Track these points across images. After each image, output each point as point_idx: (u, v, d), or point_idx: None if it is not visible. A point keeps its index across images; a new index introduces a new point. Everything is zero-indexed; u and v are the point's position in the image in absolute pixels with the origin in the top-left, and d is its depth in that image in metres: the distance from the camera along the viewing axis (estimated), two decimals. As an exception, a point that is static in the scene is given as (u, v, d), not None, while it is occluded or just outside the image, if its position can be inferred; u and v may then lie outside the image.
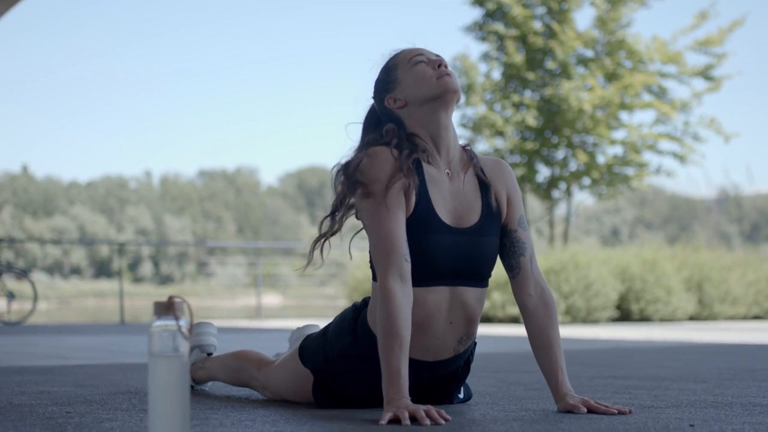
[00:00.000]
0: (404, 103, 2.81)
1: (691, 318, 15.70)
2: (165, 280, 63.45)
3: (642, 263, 15.28)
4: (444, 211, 2.74)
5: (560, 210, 19.86)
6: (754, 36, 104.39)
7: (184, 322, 1.99)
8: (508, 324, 13.52)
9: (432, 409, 2.45)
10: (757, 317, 16.63)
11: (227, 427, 2.41)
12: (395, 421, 2.42)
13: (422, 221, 2.69)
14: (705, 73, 17.92)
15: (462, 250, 2.72)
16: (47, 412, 2.72)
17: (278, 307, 29.01)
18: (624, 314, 15.02)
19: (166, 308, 1.98)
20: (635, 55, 17.81)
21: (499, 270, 2.86)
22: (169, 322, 1.98)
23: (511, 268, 2.83)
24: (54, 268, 61.47)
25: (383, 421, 2.41)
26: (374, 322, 2.75)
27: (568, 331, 10.36)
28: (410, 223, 2.69)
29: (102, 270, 62.22)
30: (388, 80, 2.85)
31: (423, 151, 2.78)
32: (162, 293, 45.91)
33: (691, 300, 15.54)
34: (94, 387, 3.60)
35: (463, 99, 18.50)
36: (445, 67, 2.81)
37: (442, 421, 2.41)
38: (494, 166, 2.88)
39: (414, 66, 2.82)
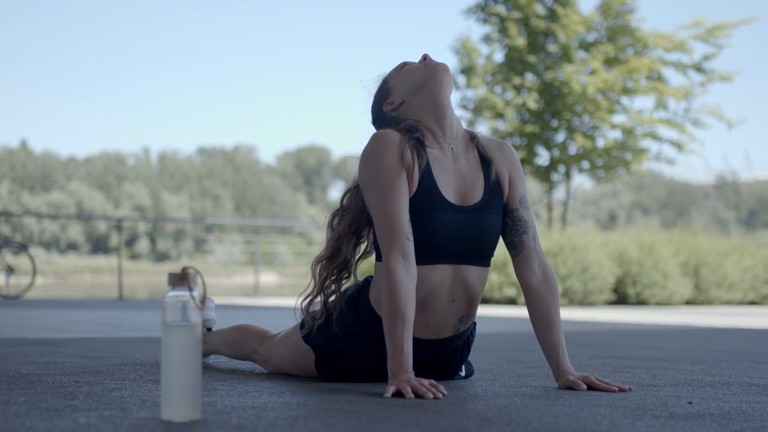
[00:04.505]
0: (401, 100, 2.89)
1: (687, 302, 15.75)
2: (162, 257, 63.37)
3: (639, 247, 15.32)
4: (448, 190, 2.78)
5: (559, 193, 19.91)
6: (757, 26, 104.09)
7: (197, 293, 2.03)
8: (505, 305, 13.58)
9: (434, 383, 2.50)
10: (753, 303, 16.68)
11: (235, 397, 2.46)
12: (398, 394, 2.47)
13: (426, 199, 2.73)
14: (698, 66, 17.87)
15: (465, 228, 2.76)
16: (56, 381, 2.76)
17: (275, 285, 29.04)
18: (620, 298, 15.07)
19: (180, 279, 2.02)
20: (640, 41, 17.78)
21: (496, 252, 2.90)
22: (182, 293, 2.02)
23: (514, 246, 2.87)
24: (51, 244, 61.39)
25: (387, 394, 2.46)
26: (377, 300, 2.79)
27: (565, 314, 10.40)
28: (414, 201, 2.72)
29: (99, 246, 62.19)
30: (382, 93, 2.95)
31: (427, 131, 2.83)
32: (159, 270, 45.89)
33: (688, 285, 15.59)
34: (99, 359, 3.64)
35: (463, 81, 18.59)
36: (431, 58, 2.91)
37: (440, 396, 2.46)
38: (497, 147, 2.93)
39: (402, 69, 2.94)
